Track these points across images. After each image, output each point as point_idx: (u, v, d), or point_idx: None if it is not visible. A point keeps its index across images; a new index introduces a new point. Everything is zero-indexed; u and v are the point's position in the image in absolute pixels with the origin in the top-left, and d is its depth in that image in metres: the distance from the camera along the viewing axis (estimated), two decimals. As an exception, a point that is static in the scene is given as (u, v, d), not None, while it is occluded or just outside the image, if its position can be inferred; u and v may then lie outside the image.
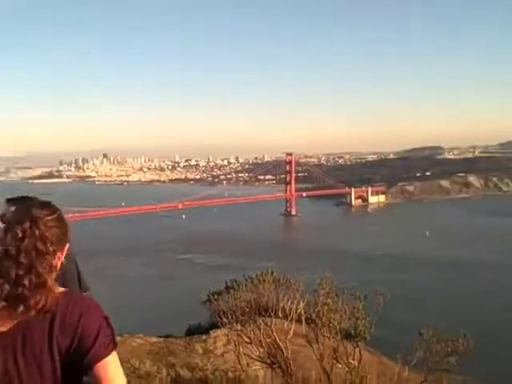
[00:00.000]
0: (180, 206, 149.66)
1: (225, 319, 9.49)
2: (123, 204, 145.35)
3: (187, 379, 8.49)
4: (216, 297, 9.97)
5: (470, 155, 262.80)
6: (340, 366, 7.99)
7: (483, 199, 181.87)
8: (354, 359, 7.94)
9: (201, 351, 11.20)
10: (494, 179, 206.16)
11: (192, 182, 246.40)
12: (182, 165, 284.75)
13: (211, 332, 11.71)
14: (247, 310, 9.53)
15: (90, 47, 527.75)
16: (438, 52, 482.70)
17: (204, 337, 11.79)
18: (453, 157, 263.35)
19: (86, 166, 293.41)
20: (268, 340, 9.09)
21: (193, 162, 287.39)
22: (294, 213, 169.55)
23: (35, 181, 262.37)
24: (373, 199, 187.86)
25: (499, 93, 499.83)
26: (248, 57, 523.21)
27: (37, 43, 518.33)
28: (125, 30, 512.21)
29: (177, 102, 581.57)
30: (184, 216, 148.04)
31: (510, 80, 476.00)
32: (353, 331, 8.26)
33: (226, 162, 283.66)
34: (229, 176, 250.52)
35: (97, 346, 2.17)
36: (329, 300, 8.83)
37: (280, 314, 10.37)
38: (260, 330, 9.12)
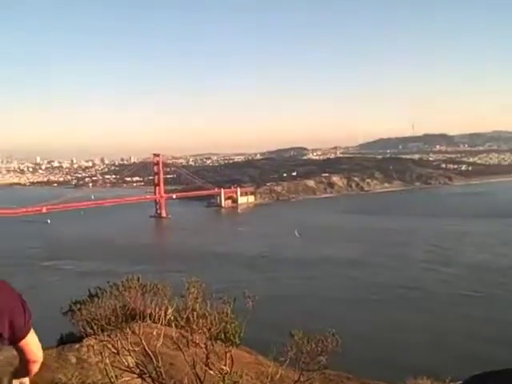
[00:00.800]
0: (44, 210, 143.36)
1: (89, 329, 8.95)
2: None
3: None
4: (79, 306, 9.39)
5: (332, 156, 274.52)
6: (212, 372, 7.77)
7: (347, 198, 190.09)
8: (226, 364, 7.75)
9: (74, 360, 10.62)
10: (356, 179, 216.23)
11: (55, 185, 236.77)
12: (43, 167, 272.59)
13: (84, 340, 11.09)
14: (113, 318, 9.04)
15: None
16: (298, 60, 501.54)
17: (77, 345, 11.17)
18: (316, 157, 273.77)
19: None
20: (137, 348, 8.69)
21: (55, 164, 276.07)
22: (164, 215, 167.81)
23: None
24: (242, 200, 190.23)
25: (354, 100, 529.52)
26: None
27: None
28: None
29: (35, 101, 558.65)
30: (49, 220, 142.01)
31: (361, 90, 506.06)
32: (223, 336, 8.07)
33: (90, 164, 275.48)
34: (94, 178, 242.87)
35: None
36: (197, 305, 8.58)
37: (149, 321, 10.01)
38: (127, 338, 8.69)
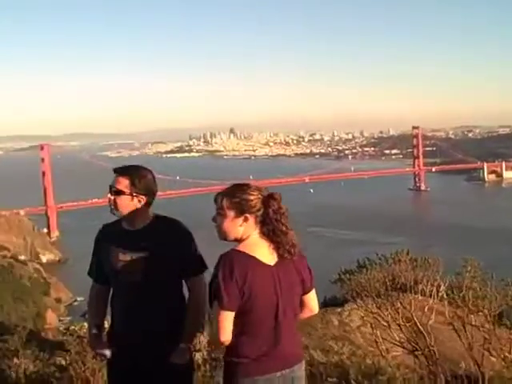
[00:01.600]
0: (307, 180, 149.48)
1: (359, 300, 8.88)
2: (251, 177, 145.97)
3: (322, 362, 8.05)
4: (348, 276, 9.36)
5: None
6: (493, 358, 7.17)
7: None
8: (510, 352, 7.09)
9: (336, 323, 10.88)
10: None
11: (317, 157, 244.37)
12: (306, 139, 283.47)
13: (346, 305, 11.31)
14: (382, 290, 8.83)
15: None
16: None
17: (339, 310, 11.48)
18: None
19: (214, 140, 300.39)
20: (408, 324, 8.39)
21: (317, 137, 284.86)
22: (423, 188, 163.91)
23: (168, 155, 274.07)
24: (508, 174, 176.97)
25: None
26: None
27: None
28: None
29: (298, 78, 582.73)
30: (311, 190, 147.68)
31: None
32: (507, 321, 7.37)
33: (350, 136, 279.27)
34: (354, 150, 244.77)
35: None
36: (475, 284, 7.94)
37: (420, 296, 9.59)
38: (398, 313, 8.44)
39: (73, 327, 7.58)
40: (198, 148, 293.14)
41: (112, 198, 3.62)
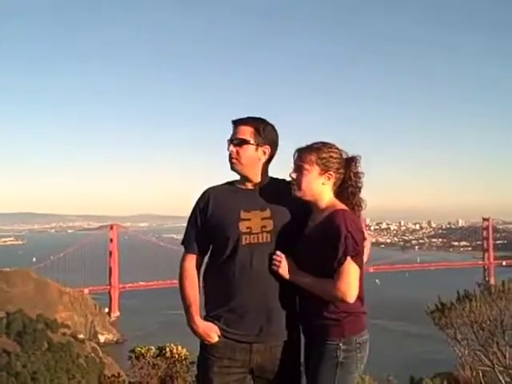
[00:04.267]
0: (371, 270, 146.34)
1: (459, 334, 7.69)
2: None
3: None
4: (448, 305, 8.21)
5: None
6: None
7: None
8: None
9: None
10: None
11: (383, 246, 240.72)
12: (372, 228, 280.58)
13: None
14: (486, 325, 7.64)
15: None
16: None
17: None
18: None
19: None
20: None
21: (384, 226, 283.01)
22: (492, 282, 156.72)
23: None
24: None
25: None
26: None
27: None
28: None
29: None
30: (377, 280, 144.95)
31: None
32: None
33: (417, 227, 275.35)
34: (421, 241, 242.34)
35: None
36: None
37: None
38: (504, 355, 7.28)
39: (139, 349, 6.77)
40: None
41: (234, 149, 3.22)
